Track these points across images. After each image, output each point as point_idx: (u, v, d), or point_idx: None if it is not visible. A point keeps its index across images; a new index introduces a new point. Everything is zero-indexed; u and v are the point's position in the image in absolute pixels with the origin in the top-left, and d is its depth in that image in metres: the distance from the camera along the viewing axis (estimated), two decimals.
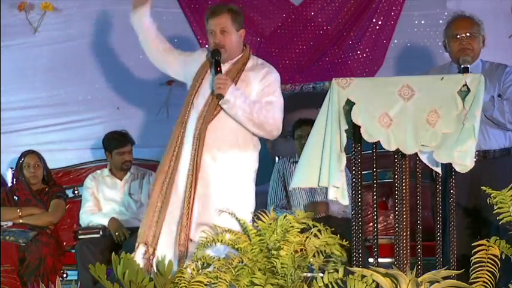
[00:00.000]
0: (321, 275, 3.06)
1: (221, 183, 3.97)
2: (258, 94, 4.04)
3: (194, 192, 3.91)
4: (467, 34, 4.16)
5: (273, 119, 4.00)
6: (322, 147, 3.24)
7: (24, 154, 5.39)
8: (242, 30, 4.11)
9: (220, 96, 3.93)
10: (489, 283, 3.07)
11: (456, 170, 3.21)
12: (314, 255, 3.14)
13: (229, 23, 4.04)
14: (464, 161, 3.17)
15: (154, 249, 3.89)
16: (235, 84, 4.00)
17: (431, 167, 3.37)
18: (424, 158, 3.33)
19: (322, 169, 3.22)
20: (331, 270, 3.09)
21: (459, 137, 3.17)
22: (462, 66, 4.03)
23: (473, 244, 3.14)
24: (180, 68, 4.23)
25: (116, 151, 5.34)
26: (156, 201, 3.97)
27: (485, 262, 3.09)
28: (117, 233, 5.08)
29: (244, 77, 4.06)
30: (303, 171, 3.30)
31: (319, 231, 3.20)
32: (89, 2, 5.90)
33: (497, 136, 4.15)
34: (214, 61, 4.00)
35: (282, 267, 3.06)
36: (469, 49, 4.13)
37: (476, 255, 3.10)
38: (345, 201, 3.27)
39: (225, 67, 4.07)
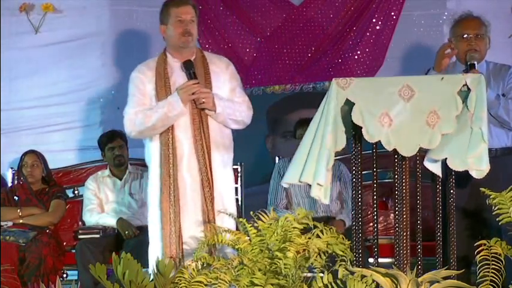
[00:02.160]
0: (321, 275, 3.05)
1: (221, 183, 4.00)
2: (227, 83, 4.09)
3: (213, 189, 3.93)
4: (475, 35, 4.15)
5: (248, 110, 4.09)
6: (311, 144, 3.23)
7: (24, 153, 5.40)
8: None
9: (208, 110, 3.97)
10: (496, 281, 3.07)
11: (473, 175, 3.20)
12: (316, 256, 3.13)
13: (195, 15, 4.08)
14: (480, 166, 3.17)
15: (180, 260, 3.86)
16: (211, 79, 4.03)
17: (431, 169, 3.37)
18: (427, 163, 3.34)
19: (307, 165, 3.21)
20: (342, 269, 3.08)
21: (470, 143, 3.17)
22: (469, 62, 4.03)
23: (475, 244, 3.14)
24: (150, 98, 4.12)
25: (107, 147, 5.36)
26: (168, 214, 3.94)
27: (489, 260, 3.09)
28: (126, 232, 5.10)
29: (211, 70, 4.08)
30: (292, 168, 3.31)
31: (321, 231, 3.19)
32: (90, 2, 5.91)
33: (500, 135, 4.14)
34: (191, 73, 3.99)
35: (285, 268, 3.06)
36: (476, 50, 4.12)
37: (480, 254, 3.10)
38: (326, 200, 3.25)
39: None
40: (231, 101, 4.04)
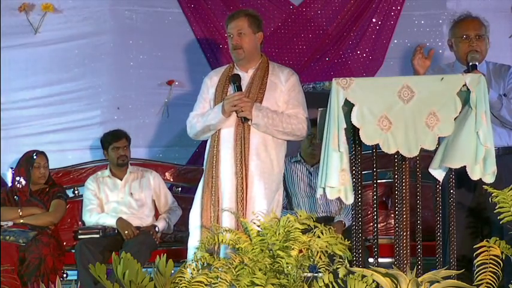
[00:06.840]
0: (321, 274, 3.05)
1: (255, 189, 4.08)
2: (283, 94, 4.16)
3: (246, 194, 4.03)
4: (476, 35, 4.15)
5: (299, 123, 4.13)
6: (324, 148, 3.23)
7: (36, 154, 5.33)
8: (260, 33, 4.23)
9: (245, 119, 4.06)
10: (492, 284, 3.06)
11: (485, 181, 3.21)
12: (320, 256, 3.13)
13: (245, 26, 4.17)
14: (490, 169, 3.19)
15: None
16: (264, 90, 4.12)
17: (433, 174, 3.36)
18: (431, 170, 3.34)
19: (322, 170, 3.22)
20: (339, 269, 3.08)
21: (477, 148, 3.17)
22: (471, 63, 4.03)
23: (475, 246, 3.14)
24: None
25: (111, 146, 5.35)
26: (209, 212, 4.05)
27: (487, 263, 3.09)
28: (126, 232, 5.10)
29: (271, 83, 4.17)
30: (318, 177, 3.30)
31: (321, 231, 3.19)
32: (89, 2, 5.91)
33: (501, 134, 4.13)
34: (236, 86, 4.10)
35: (287, 267, 3.06)
36: (477, 51, 4.11)
37: (479, 257, 3.09)
38: (349, 201, 3.25)
39: (248, 74, 4.19)
40: (276, 112, 4.11)
